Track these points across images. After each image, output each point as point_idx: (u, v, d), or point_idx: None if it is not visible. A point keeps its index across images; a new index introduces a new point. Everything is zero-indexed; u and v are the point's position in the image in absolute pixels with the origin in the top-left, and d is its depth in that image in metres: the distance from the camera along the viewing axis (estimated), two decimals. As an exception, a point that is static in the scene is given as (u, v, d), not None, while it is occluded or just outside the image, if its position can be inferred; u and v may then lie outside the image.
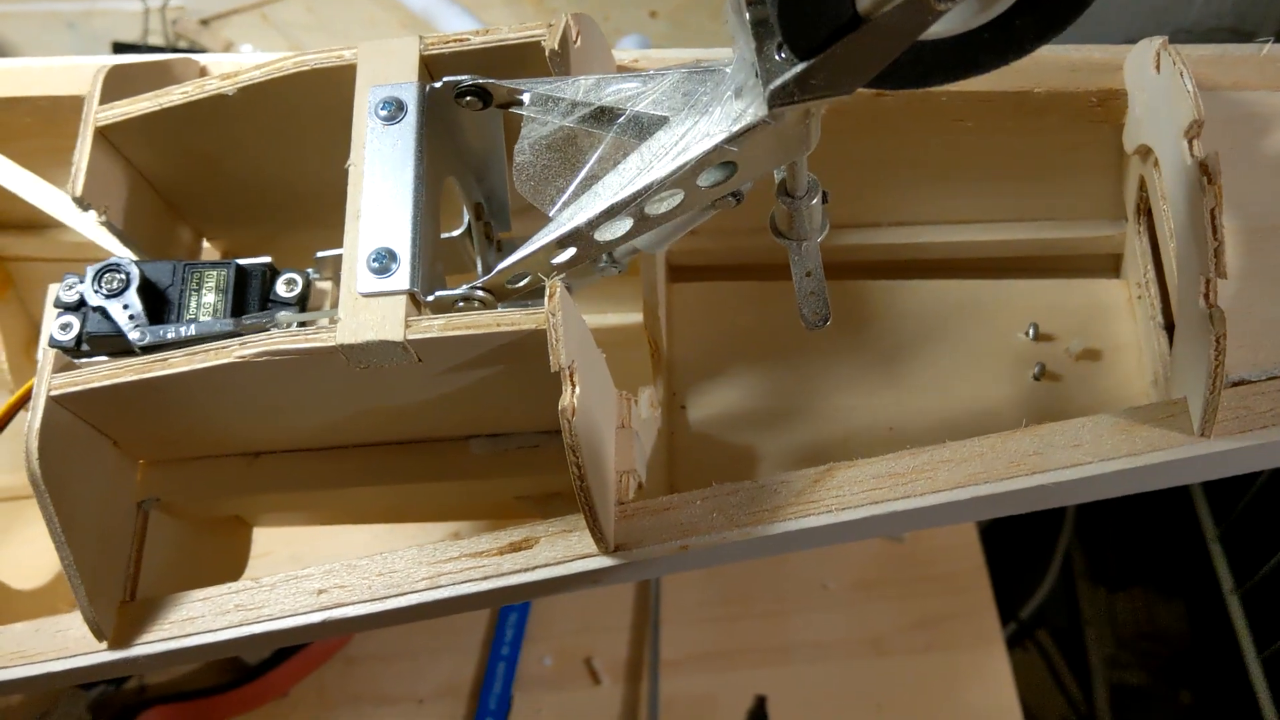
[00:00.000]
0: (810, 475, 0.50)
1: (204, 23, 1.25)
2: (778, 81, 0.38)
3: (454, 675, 0.89)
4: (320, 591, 0.52)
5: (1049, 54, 0.56)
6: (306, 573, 0.52)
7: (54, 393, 0.48)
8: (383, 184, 0.47)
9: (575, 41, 0.50)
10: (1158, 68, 0.50)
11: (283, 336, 0.46)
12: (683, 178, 0.43)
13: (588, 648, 0.91)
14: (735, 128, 0.42)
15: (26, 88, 0.64)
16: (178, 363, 0.47)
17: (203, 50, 1.08)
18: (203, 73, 0.61)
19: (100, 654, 0.52)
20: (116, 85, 0.55)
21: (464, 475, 0.54)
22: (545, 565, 0.50)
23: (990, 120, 0.57)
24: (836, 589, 0.95)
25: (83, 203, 0.53)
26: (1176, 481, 0.51)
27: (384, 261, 0.46)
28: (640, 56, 0.58)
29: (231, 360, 0.46)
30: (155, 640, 0.52)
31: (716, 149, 0.42)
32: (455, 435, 0.55)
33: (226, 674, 0.87)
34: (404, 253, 0.46)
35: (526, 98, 0.47)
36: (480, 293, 0.47)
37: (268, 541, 0.74)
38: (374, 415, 0.52)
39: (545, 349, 0.44)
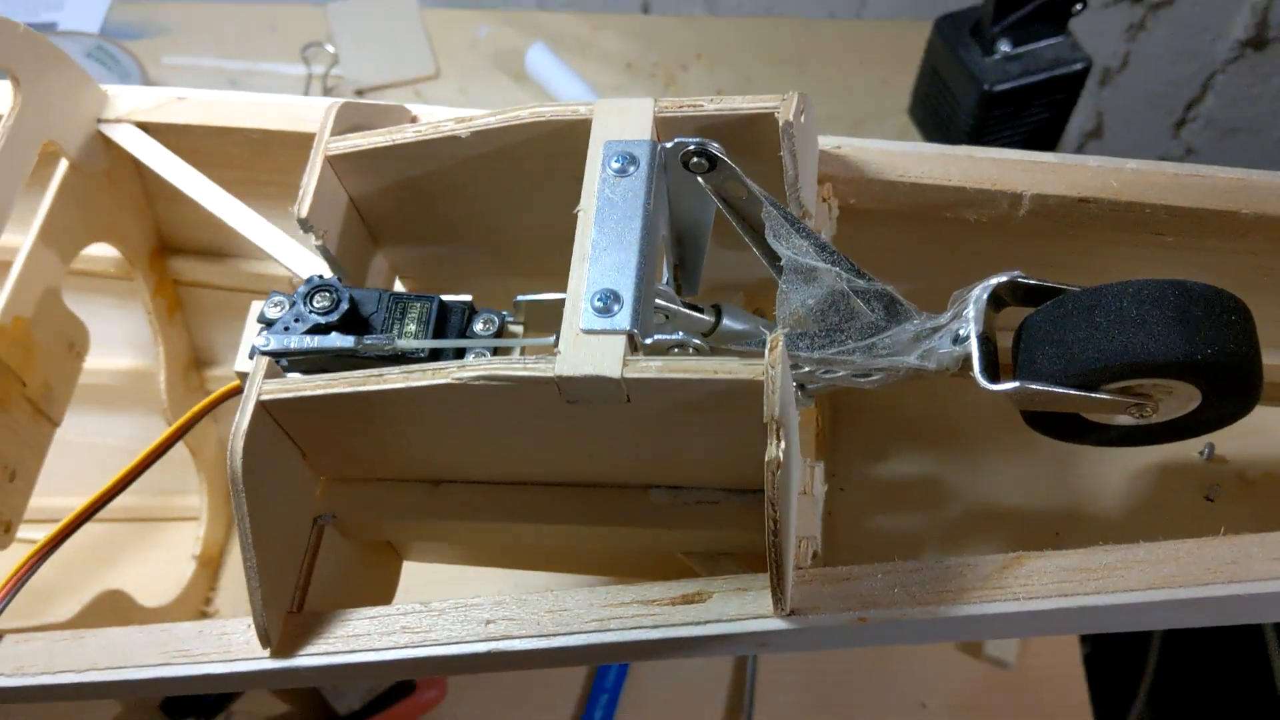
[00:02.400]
0: (999, 560, 0.50)
1: (359, 93, 1.29)
2: (995, 387, 0.50)
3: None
4: (489, 622, 0.52)
5: (1262, 179, 0.56)
6: (475, 601, 0.52)
7: (264, 398, 0.50)
8: (610, 231, 0.49)
9: (802, 117, 0.52)
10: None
11: (503, 364, 0.47)
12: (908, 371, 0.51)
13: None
14: (921, 364, 0.51)
15: (242, 120, 0.68)
16: (394, 379, 0.48)
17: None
18: (413, 120, 0.64)
19: (263, 661, 0.53)
20: (344, 120, 0.57)
21: (640, 522, 0.54)
22: (717, 620, 0.50)
23: (1190, 239, 0.58)
24: (935, 709, 0.93)
25: (306, 224, 0.55)
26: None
27: (607, 302, 0.47)
28: (842, 143, 0.59)
29: (449, 381, 0.47)
30: (319, 654, 0.53)
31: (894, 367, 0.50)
32: (636, 483, 0.55)
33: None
34: (627, 296, 0.47)
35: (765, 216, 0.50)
36: (697, 341, 0.48)
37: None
38: (564, 454, 0.53)
39: (753, 402, 0.44)
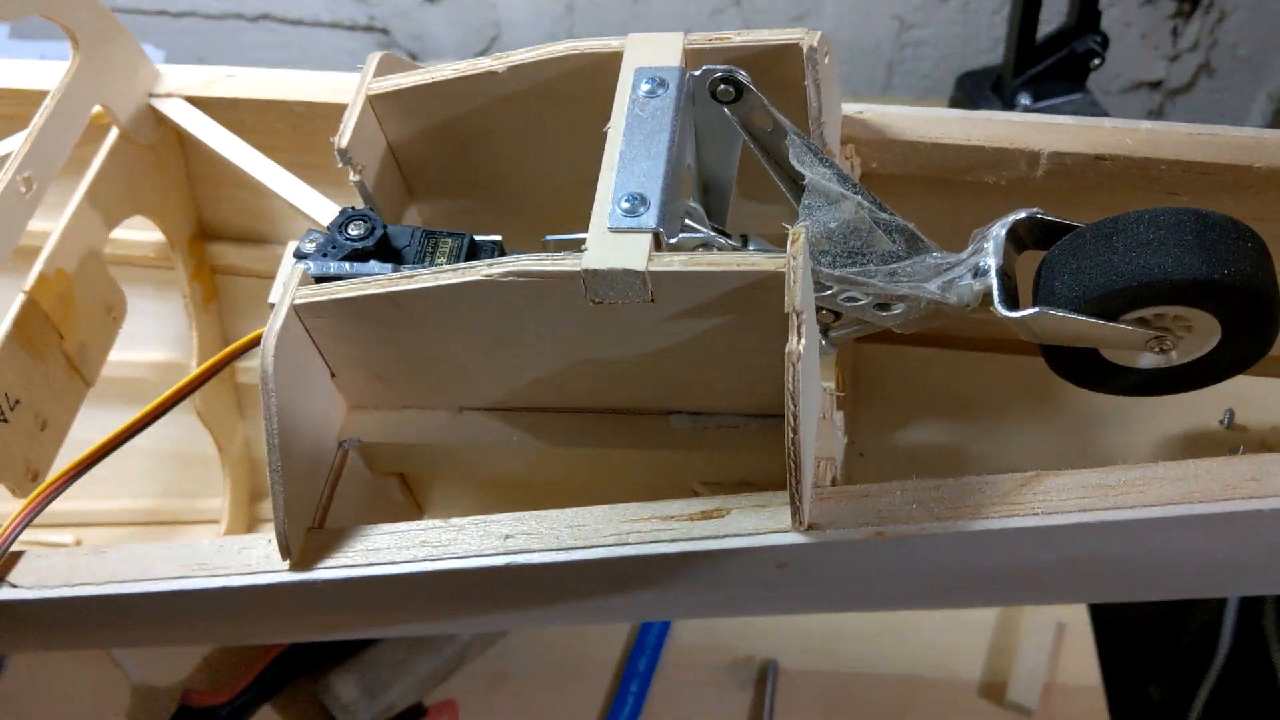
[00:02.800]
0: (1017, 478, 0.50)
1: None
2: (1014, 315, 0.51)
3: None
4: (508, 536, 0.52)
5: (1273, 137, 0.58)
6: (496, 518, 0.52)
7: (298, 301, 0.51)
8: (639, 143, 0.51)
9: (825, 58, 0.54)
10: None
11: (532, 259, 0.48)
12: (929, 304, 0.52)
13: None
14: (941, 295, 0.52)
15: (288, 93, 0.70)
16: (425, 278, 0.49)
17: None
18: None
19: (282, 574, 0.53)
20: (386, 68, 0.60)
21: (663, 445, 0.55)
22: (735, 535, 0.50)
23: (1206, 197, 0.59)
24: (959, 754, 0.91)
25: (345, 154, 0.56)
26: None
27: (634, 204, 0.48)
28: (865, 109, 0.61)
29: (478, 278, 0.48)
30: (338, 566, 0.53)
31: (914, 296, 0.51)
32: (659, 408, 0.56)
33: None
34: (654, 198, 0.48)
35: (789, 143, 0.52)
36: (723, 239, 0.49)
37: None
38: (589, 371, 0.53)
39: (775, 298, 0.45)
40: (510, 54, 0.56)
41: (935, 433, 0.65)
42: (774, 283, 0.46)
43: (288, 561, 0.53)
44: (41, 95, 0.65)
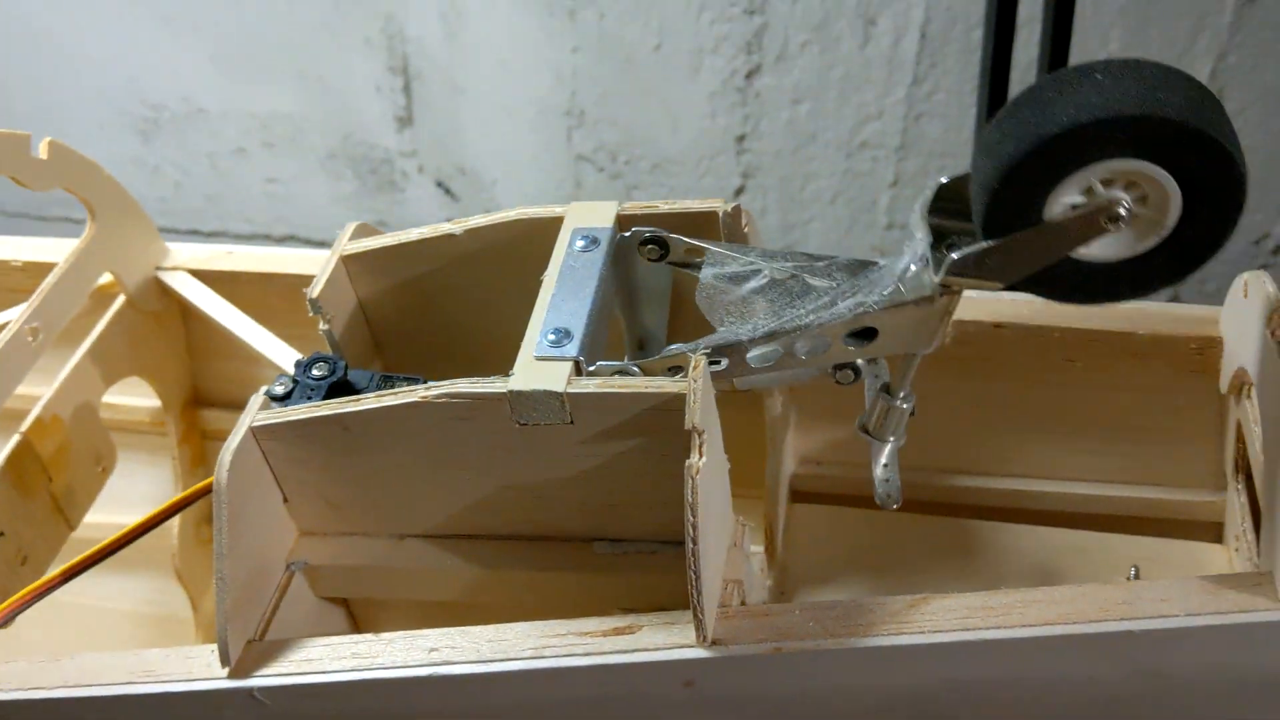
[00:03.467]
0: (907, 600, 0.53)
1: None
2: (961, 254, 0.48)
3: None
4: (433, 650, 0.55)
5: (1156, 308, 0.63)
6: (424, 633, 0.56)
7: (256, 424, 0.57)
8: (569, 287, 0.57)
9: (745, 226, 0.61)
10: (1245, 294, 0.57)
11: (464, 383, 0.53)
12: (834, 328, 0.53)
13: None
14: (891, 299, 0.52)
15: (282, 266, 0.78)
16: (368, 400, 0.55)
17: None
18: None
19: (220, 681, 0.56)
20: (361, 234, 0.67)
21: (586, 570, 0.58)
22: (644, 650, 0.53)
23: (1098, 362, 0.64)
24: None
25: (315, 304, 0.63)
26: (1264, 663, 0.52)
27: (559, 337, 0.54)
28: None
29: (415, 399, 0.54)
30: (274, 675, 0.56)
31: (870, 312, 0.52)
32: (584, 534, 0.60)
33: None
34: (577, 332, 0.54)
35: (707, 256, 0.57)
36: (636, 368, 0.54)
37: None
38: (518, 495, 0.58)
39: (681, 421, 0.50)
40: (467, 219, 0.64)
41: (860, 587, 0.69)
42: (678, 404, 0.51)
43: (226, 669, 0.56)
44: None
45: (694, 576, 0.51)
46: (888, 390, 0.58)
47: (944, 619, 0.52)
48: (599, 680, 0.54)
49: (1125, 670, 0.53)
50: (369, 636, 0.56)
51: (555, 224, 0.62)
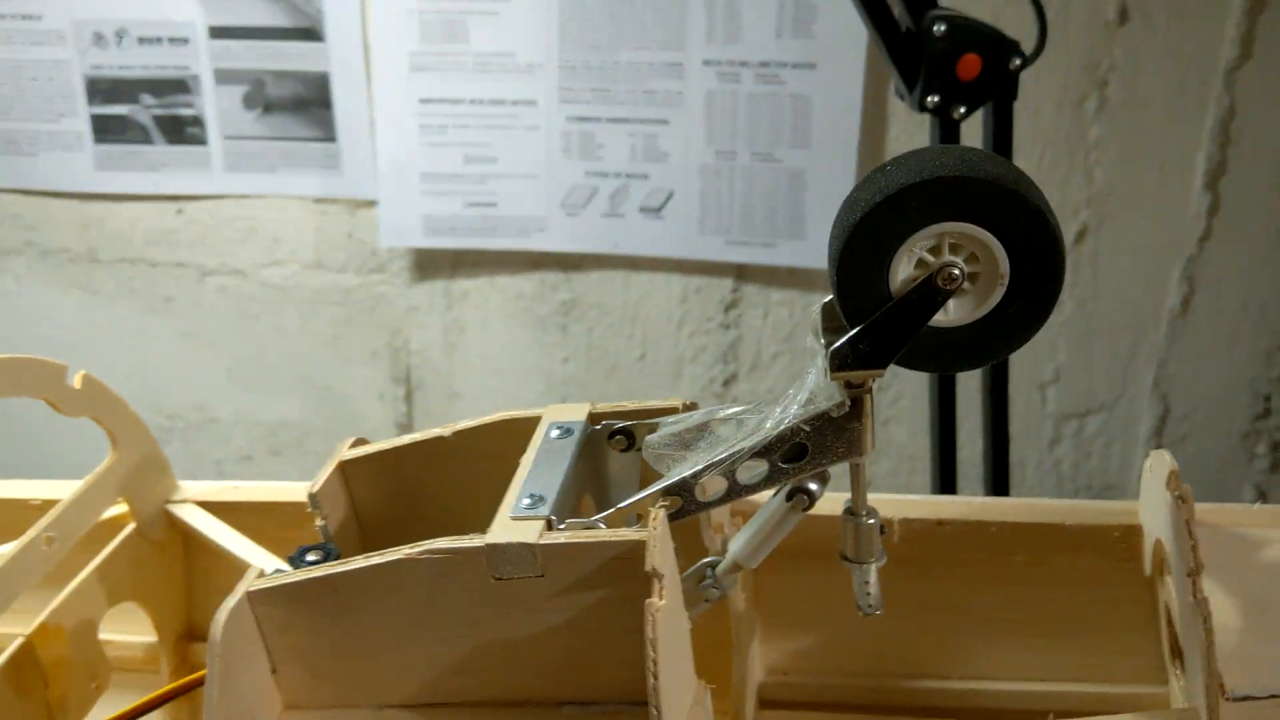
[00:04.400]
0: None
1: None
2: (835, 346, 0.56)
3: None
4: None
5: (1084, 504, 0.69)
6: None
7: (251, 589, 0.61)
8: (543, 464, 0.63)
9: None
10: (1151, 472, 0.64)
11: (444, 540, 0.59)
12: (765, 449, 0.59)
13: None
14: (807, 411, 0.58)
15: (282, 495, 0.84)
16: (357, 561, 0.60)
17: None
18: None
19: (200, 837, 0.58)
20: (358, 444, 0.74)
21: (555, 734, 0.61)
22: (611, 795, 0.56)
23: (1036, 556, 0.69)
24: None
25: (314, 500, 0.69)
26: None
27: (534, 500, 0.60)
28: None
29: (400, 557, 0.59)
30: (251, 830, 0.58)
31: (791, 427, 0.58)
32: (555, 699, 0.63)
33: None
34: (550, 497, 0.60)
35: (659, 433, 0.65)
36: (601, 524, 0.60)
37: None
38: (493, 655, 0.61)
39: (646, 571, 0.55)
40: (457, 423, 0.71)
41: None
42: (640, 551, 0.56)
43: (207, 823, 0.58)
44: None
45: (655, 711, 0.54)
46: (851, 512, 0.63)
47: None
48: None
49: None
50: (343, 795, 0.59)
51: (535, 422, 0.69)
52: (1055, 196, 1.45)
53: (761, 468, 0.60)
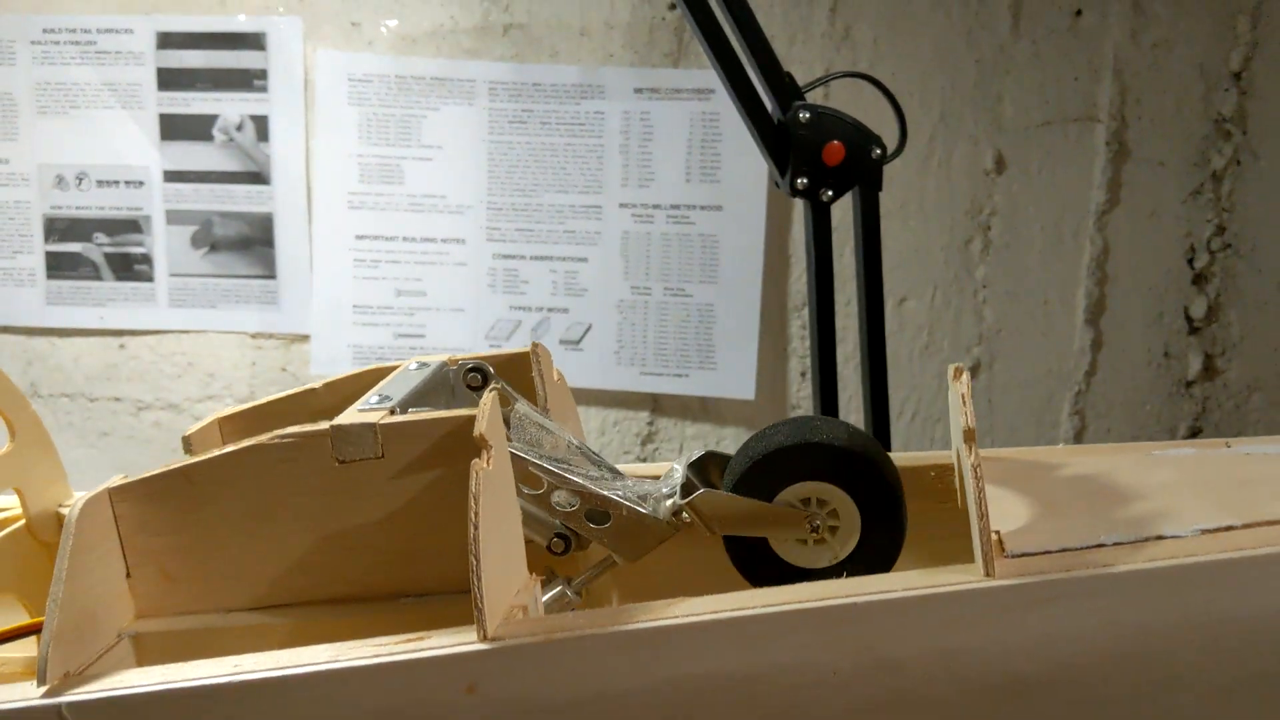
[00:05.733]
0: (664, 601, 0.60)
1: None
2: (706, 490, 0.66)
3: None
4: (236, 665, 0.60)
5: (901, 454, 0.75)
6: (232, 659, 0.61)
7: (112, 485, 0.65)
8: (398, 382, 0.69)
9: (551, 369, 0.74)
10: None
11: (293, 428, 0.64)
12: (592, 497, 0.67)
13: None
14: (644, 507, 0.67)
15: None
16: (211, 452, 0.65)
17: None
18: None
19: (33, 700, 0.60)
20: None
21: (392, 624, 0.64)
22: (429, 649, 0.58)
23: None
24: None
25: (187, 443, 0.74)
26: (982, 646, 0.57)
27: (381, 398, 0.66)
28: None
29: (250, 444, 0.64)
30: (88, 692, 0.59)
31: (622, 503, 0.67)
32: (393, 591, 0.66)
33: None
34: (396, 398, 0.66)
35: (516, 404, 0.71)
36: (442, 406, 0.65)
37: None
38: (335, 548, 0.65)
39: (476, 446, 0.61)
40: (328, 377, 0.76)
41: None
42: (471, 427, 0.61)
43: (42, 688, 0.60)
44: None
45: (475, 561, 0.58)
46: (569, 581, 0.69)
47: (693, 608, 0.59)
48: (387, 685, 0.59)
49: (859, 659, 0.58)
50: (181, 664, 0.61)
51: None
52: (949, 334, 1.55)
53: (575, 504, 0.66)
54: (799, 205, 1.44)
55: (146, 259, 1.66)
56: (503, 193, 1.57)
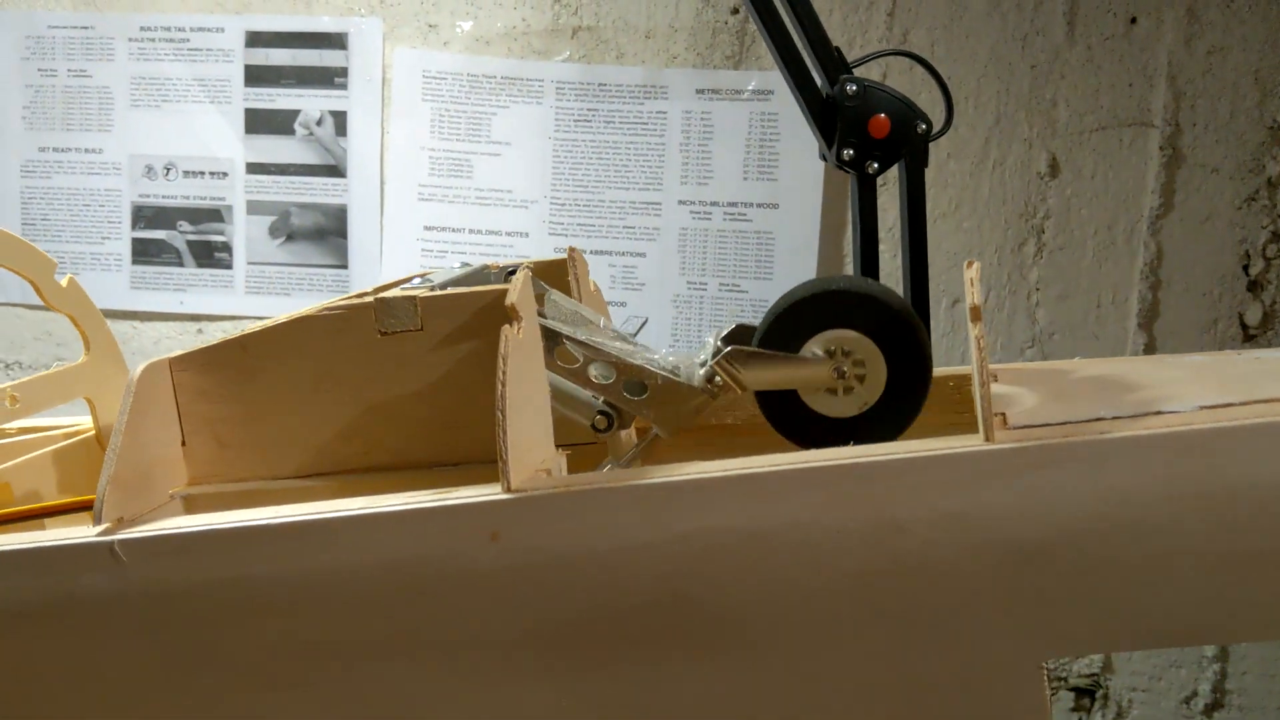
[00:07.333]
0: (682, 464, 0.63)
1: None
2: (734, 347, 0.69)
3: None
4: (278, 511, 0.64)
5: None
6: (275, 508, 0.65)
7: (172, 355, 0.70)
8: (441, 273, 0.73)
9: (585, 273, 0.78)
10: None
11: (340, 299, 0.68)
12: (628, 368, 0.70)
13: None
14: (678, 375, 0.70)
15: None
16: (265, 323, 0.69)
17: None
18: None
19: (87, 537, 0.64)
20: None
21: (428, 488, 0.67)
22: (457, 499, 0.62)
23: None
24: None
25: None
26: (985, 511, 0.59)
27: (423, 280, 0.70)
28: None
29: (301, 314, 0.68)
30: (148, 531, 0.64)
31: (655, 371, 0.70)
32: (431, 461, 0.69)
33: None
34: (438, 281, 0.70)
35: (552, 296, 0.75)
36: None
37: None
38: (378, 418, 0.69)
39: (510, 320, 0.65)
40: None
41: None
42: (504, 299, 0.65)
43: (98, 528, 0.64)
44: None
45: (500, 416, 0.61)
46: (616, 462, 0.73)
47: (705, 467, 0.61)
48: (417, 530, 0.62)
49: (862, 518, 0.60)
50: (225, 513, 0.65)
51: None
52: (1002, 335, 1.56)
53: (612, 374, 0.69)
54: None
55: (226, 247, 1.73)
56: (566, 188, 1.63)
